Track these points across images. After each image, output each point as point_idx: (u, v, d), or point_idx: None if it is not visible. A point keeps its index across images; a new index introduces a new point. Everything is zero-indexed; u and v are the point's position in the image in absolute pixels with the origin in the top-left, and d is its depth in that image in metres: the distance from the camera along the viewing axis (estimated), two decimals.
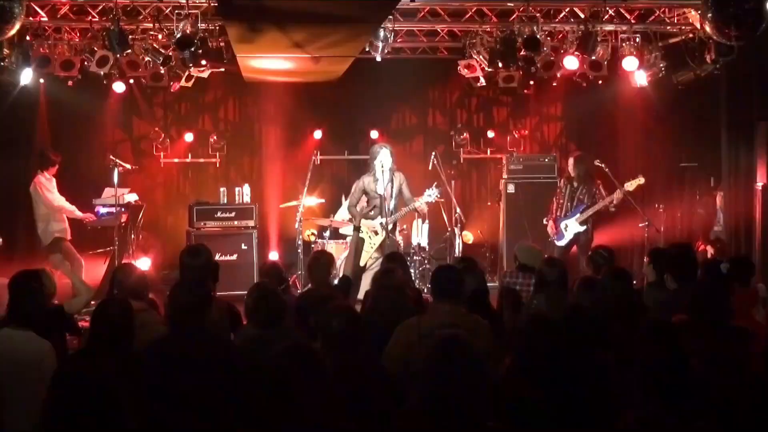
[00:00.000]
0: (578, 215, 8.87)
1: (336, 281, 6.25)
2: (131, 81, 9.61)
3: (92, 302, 7.84)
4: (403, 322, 4.40)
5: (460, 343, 2.92)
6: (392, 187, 8.20)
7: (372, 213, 8.34)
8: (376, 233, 8.32)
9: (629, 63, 9.14)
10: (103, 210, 9.34)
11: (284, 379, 2.78)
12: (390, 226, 8.19)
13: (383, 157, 8.16)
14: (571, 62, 9.11)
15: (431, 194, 8.40)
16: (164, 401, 3.76)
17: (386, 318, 4.52)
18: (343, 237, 9.42)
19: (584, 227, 8.88)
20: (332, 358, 3.59)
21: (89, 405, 2.59)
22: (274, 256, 10.16)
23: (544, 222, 9.17)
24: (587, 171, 9.01)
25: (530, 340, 3.68)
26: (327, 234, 9.58)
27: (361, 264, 8.32)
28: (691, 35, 8.91)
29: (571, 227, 8.90)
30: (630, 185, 8.72)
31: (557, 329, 3.75)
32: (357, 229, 8.39)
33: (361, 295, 6.83)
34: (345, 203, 9.70)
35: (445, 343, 2.95)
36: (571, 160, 9.11)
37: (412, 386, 3.64)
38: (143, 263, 9.37)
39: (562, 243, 8.83)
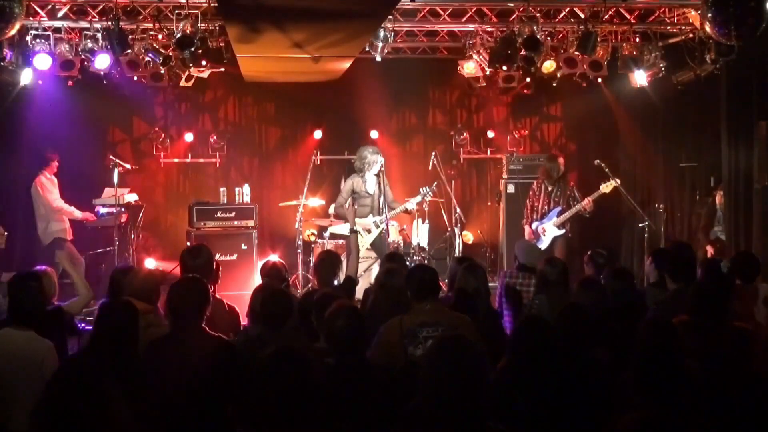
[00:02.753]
0: (555, 219, 8.82)
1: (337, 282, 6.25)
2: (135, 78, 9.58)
3: (91, 302, 7.86)
4: (386, 322, 4.41)
5: (461, 343, 2.92)
6: (381, 186, 8.35)
7: (362, 212, 8.47)
8: (369, 231, 8.41)
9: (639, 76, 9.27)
10: (103, 210, 9.34)
11: (274, 381, 2.78)
12: (384, 225, 8.34)
13: (374, 158, 8.41)
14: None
15: (424, 193, 8.58)
16: (164, 400, 3.75)
17: (387, 318, 4.52)
18: (343, 237, 9.43)
19: (563, 231, 8.83)
20: (335, 357, 3.59)
21: (83, 407, 2.58)
22: (273, 257, 10.16)
23: (523, 223, 9.14)
24: (564, 172, 9.02)
25: (524, 342, 3.69)
26: (327, 234, 9.59)
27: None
28: (691, 35, 8.90)
29: (549, 231, 8.84)
30: (605, 187, 8.70)
31: (551, 330, 3.75)
32: (353, 231, 8.50)
33: (359, 295, 6.84)
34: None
35: (447, 343, 2.94)
36: (560, 160, 9.08)
37: (397, 385, 3.65)
38: (148, 264, 9.40)
39: (542, 246, 8.71)
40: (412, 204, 8.77)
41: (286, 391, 2.75)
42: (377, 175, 8.46)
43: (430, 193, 8.77)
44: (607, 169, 9.00)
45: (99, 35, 8.40)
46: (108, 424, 2.60)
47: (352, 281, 6.27)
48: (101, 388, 2.64)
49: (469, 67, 9.64)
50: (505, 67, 9.06)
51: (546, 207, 8.91)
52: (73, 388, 2.61)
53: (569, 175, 9.42)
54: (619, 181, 8.79)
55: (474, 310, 4.75)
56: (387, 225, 8.43)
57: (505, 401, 3.47)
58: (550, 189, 8.93)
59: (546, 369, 3.57)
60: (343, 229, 8.98)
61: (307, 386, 2.78)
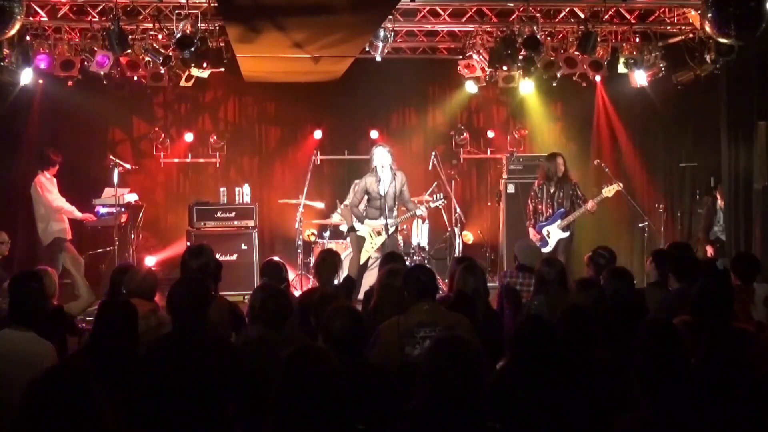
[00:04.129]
0: (559, 221, 8.66)
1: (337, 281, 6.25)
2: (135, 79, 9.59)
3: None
4: (384, 322, 4.40)
5: (459, 343, 2.92)
6: (394, 188, 8.24)
7: (374, 214, 8.38)
8: (379, 233, 8.33)
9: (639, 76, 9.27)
10: (103, 210, 9.34)
11: (296, 379, 2.76)
12: (393, 228, 8.24)
13: (379, 156, 8.24)
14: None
15: (436, 200, 8.53)
16: (165, 401, 3.76)
17: (388, 318, 4.52)
18: (344, 237, 9.44)
19: (567, 233, 8.69)
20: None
21: (64, 407, 2.57)
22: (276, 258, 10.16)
23: (527, 225, 9.02)
24: (565, 172, 8.80)
25: (525, 342, 3.68)
26: (327, 234, 9.60)
27: (361, 263, 8.37)
28: (691, 35, 8.91)
29: (554, 234, 8.69)
30: (608, 191, 8.60)
31: (551, 330, 3.75)
32: (351, 229, 8.44)
33: (361, 295, 6.84)
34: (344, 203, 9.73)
35: (445, 343, 2.95)
36: (559, 160, 8.81)
37: (396, 385, 3.65)
38: (148, 262, 9.41)
39: (546, 249, 8.60)
40: (422, 210, 8.63)
41: (309, 391, 2.73)
42: (392, 180, 8.30)
43: (444, 200, 8.68)
44: (607, 169, 9.00)
45: (99, 35, 8.40)
46: (89, 425, 2.58)
47: (351, 281, 6.27)
48: (83, 388, 2.62)
49: (468, 68, 9.65)
50: (505, 67, 9.05)
51: (550, 210, 8.76)
52: (53, 388, 2.59)
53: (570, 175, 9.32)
54: (621, 184, 8.69)
55: (473, 311, 4.75)
56: (389, 229, 8.29)
57: (506, 401, 3.47)
58: (552, 190, 8.75)
59: (546, 369, 3.57)
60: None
61: (329, 384, 2.76)
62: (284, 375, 2.77)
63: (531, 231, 8.87)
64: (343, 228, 9.39)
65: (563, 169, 8.75)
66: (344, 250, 9.07)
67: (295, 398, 2.72)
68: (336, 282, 6.00)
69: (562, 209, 8.66)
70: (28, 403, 2.58)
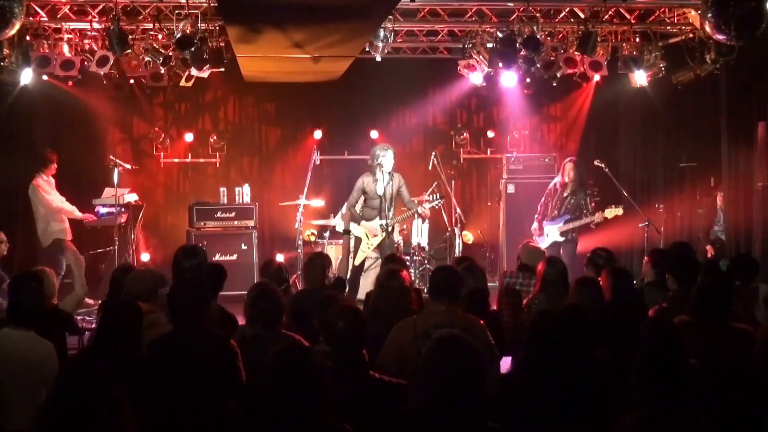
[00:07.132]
0: (561, 225, 8.74)
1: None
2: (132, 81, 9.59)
3: (91, 302, 7.83)
4: (399, 322, 4.40)
5: (459, 343, 2.92)
6: (391, 189, 8.24)
7: (371, 214, 8.36)
8: (375, 235, 8.32)
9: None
10: (103, 210, 9.35)
11: (280, 379, 2.78)
12: (390, 228, 8.23)
13: (387, 160, 8.22)
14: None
15: (434, 200, 8.52)
16: (165, 400, 3.76)
17: (387, 319, 4.51)
18: (343, 237, 9.43)
19: (563, 238, 8.74)
20: (337, 358, 3.59)
21: (89, 407, 2.58)
22: (280, 258, 10.16)
23: (535, 217, 9.05)
24: (582, 179, 8.88)
25: (538, 339, 3.66)
26: (327, 234, 9.60)
27: (357, 263, 8.37)
28: (691, 35, 8.90)
29: (552, 235, 8.76)
30: (609, 213, 8.63)
31: (564, 327, 3.72)
32: (346, 232, 8.43)
33: (361, 296, 6.83)
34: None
35: (445, 343, 2.94)
36: (569, 165, 8.93)
37: (408, 387, 3.64)
38: (144, 258, 9.42)
39: (541, 245, 8.62)
40: (423, 208, 8.60)
41: (291, 389, 2.75)
42: (390, 181, 8.29)
43: (441, 200, 8.69)
44: (606, 170, 8.99)
45: (99, 35, 8.40)
46: (114, 425, 2.60)
47: (341, 281, 6.25)
48: (110, 388, 2.63)
49: (468, 68, 9.65)
50: (501, 64, 9.03)
51: (556, 211, 8.82)
52: (80, 387, 2.60)
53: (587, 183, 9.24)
54: (621, 211, 8.71)
55: (470, 310, 4.74)
56: (388, 229, 8.28)
57: (520, 399, 3.44)
58: (566, 194, 8.84)
59: (562, 366, 3.53)
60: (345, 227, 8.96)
61: (312, 384, 2.78)
62: (269, 373, 2.81)
63: (535, 223, 8.94)
64: (341, 227, 9.37)
65: (572, 175, 8.81)
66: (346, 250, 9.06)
67: (279, 396, 2.75)
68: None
69: (567, 215, 8.71)
70: (52, 405, 2.59)
